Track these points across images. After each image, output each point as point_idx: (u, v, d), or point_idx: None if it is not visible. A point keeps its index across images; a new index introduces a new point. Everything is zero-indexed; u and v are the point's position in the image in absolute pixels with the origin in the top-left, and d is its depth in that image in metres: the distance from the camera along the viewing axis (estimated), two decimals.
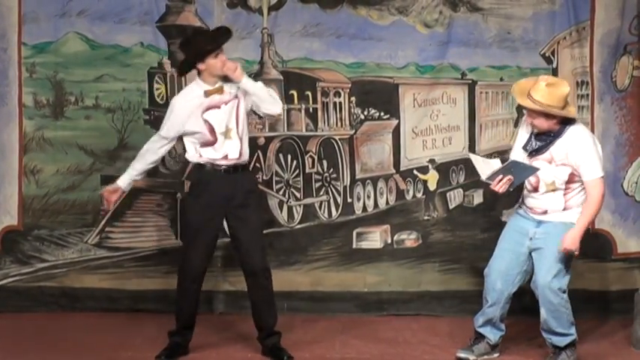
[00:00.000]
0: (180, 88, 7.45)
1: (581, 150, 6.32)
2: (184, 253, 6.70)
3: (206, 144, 6.51)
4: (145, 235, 7.84)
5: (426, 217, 7.89)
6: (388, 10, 7.70)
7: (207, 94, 6.45)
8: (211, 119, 6.47)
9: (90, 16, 7.65)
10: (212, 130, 6.47)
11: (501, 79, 7.77)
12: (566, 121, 6.37)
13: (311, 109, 7.76)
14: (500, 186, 6.33)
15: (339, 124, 7.79)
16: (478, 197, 7.85)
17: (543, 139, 6.39)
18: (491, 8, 7.69)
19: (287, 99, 7.72)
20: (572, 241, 6.34)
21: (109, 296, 7.78)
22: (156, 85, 7.72)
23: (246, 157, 6.60)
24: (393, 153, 7.83)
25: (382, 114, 7.80)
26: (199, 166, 6.58)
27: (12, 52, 7.71)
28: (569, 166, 6.34)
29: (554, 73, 7.67)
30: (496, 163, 6.48)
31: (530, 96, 6.30)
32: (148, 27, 7.66)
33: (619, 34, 7.65)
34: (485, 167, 6.46)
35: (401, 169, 7.84)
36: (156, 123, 7.55)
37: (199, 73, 6.48)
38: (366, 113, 7.79)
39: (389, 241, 7.85)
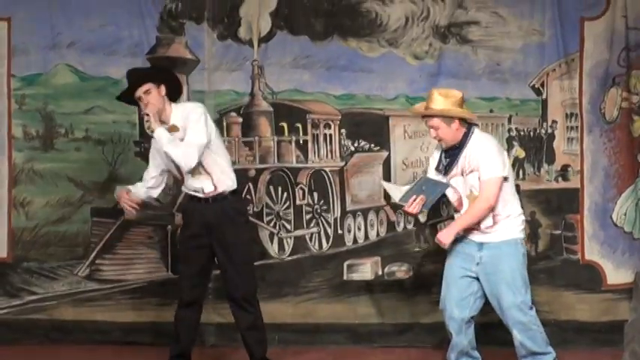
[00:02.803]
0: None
1: (480, 151, 6.32)
2: (179, 284, 6.75)
3: (179, 180, 6.60)
4: (135, 267, 7.84)
5: (417, 249, 7.89)
6: (378, 42, 7.73)
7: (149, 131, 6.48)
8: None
9: (80, 48, 7.69)
10: (177, 167, 6.48)
11: (491, 111, 7.79)
12: (469, 131, 6.38)
13: (301, 141, 7.78)
14: (413, 206, 6.32)
15: (329, 155, 7.81)
16: None
17: (451, 154, 6.42)
18: (480, 40, 7.72)
19: (277, 131, 7.76)
20: (445, 237, 6.36)
21: (99, 329, 7.76)
22: (146, 117, 7.66)
23: (224, 187, 6.56)
24: None
25: (372, 146, 7.82)
26: (186, 196, 6.65)
27: (1, 84, 7.74)
28: (476, 171, 6.34)
29: (544, 104, 7.74)
30: (406, 189, 6.47)
31: (427, 108, 6.35)
32: (138, 59, 7.67)
33: (608, 66, 7.68)
34: (397, 192, 6.46)
35: (391, 201, 7.81)
36: (146, 155, 7.52)
37: None
38: (356, 145, 7.80)
39: (380, 272, 7.85)
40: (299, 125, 7.77)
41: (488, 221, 6.41)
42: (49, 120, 7.72)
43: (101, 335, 7.73)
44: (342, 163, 7.81)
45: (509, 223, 6.42)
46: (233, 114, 7.73)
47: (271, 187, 7.78)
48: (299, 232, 7.83)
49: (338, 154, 7.82)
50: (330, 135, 7.79)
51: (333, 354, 7.60)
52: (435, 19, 7.72)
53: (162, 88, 6.43)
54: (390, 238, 7.88)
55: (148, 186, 6.65)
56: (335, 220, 7.84)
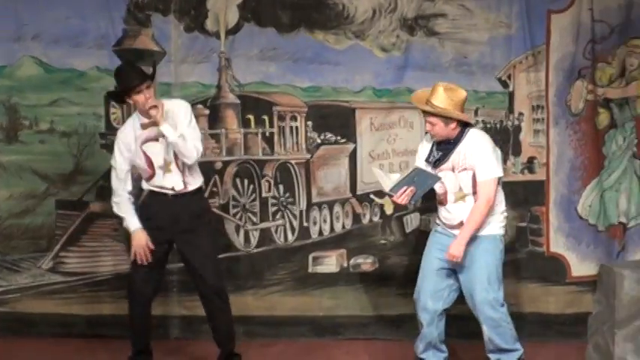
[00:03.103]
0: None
1: (477, 151, 6.35)
2: (130, 278, 6.72)
3: (146, 178, 6.56)
4: (100, 260, 7.79)
5: (382, 241, 7.89)
6: (345, 35, 7.71)
7: (143, 126, 6.46)
8: (149, 151, 6.49)
9: (45, 40, 7.60)
10: (150, 164, 6.49)
11: None
12: (464, 128, 6.41)
13: (268, 134, 7.75)
14: (403, 198, 6.33)
15: (295, 148, 7.79)
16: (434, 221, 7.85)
17: (444, 148, 6.43)
18: (447, 33, 7.71)
19: (244, 123, 7.73)
20: (457, 249, 6.36)
21: (63, 321, 7.72)
22: (112, 110, 7.68)
23: (193, 186, 6.60)
24: (350, 177, 7.84)
25: (339, 138, 7.80)
26: (146, 194, 6.63)
27: None
28: (470, 169, 6.37)
29: (511, 96, 7.75)
30: (396, 177, 6.48)
31: (429, 102, 6.34)
32: (104, 51, 7.63)
33: (574, 59, 7.70)
34: (388, 180, 6.45)
35: (357, 193, 7.85)
36: (112, 147, 7.48)
37: None
38: (322, 137, 7.79)
39: (345, 265, 7.85)
40: (265, 117, 7.74)
41: None
42: (14, 112, 7.65)
43: (65, 328, 7.69)
44: (309, 156, 7.80)
45: (492, 219, 6.46)
46: (200, 106, 7.68)
47: (237, 180, 7.76)
48: (265, 225, 7.81)
49: (304, 146, 7.79)
50: (297, 127, 7.77)
51: (299, 347, 7.60)
52: (403, 11, 7.70)
53: (152, 84, 6.46)
54: (355, 231, 7.88)
55: (129, 188, 6.60)
56: (301, 212, 7.83)
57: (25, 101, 7.63)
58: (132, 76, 6.39)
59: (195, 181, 6.60)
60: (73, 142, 7.67)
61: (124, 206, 6.56)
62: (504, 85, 7.74)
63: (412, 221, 7.89)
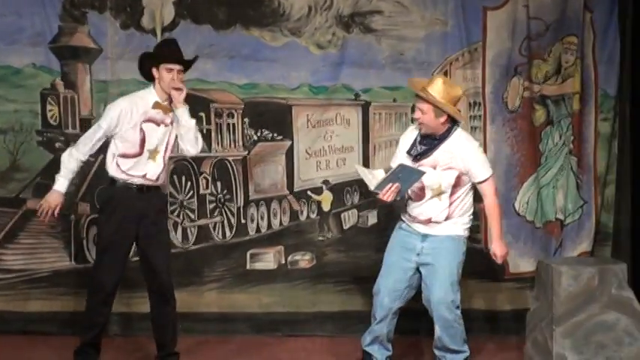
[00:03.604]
0: (73, 111, 7.50)
1: (468, 153, 6.37)
2: (94, 272, 6.65)
3: (128, 155, 6.44)
4: (39, 256, 7.76)
5: (320, 238, 7.91)
6: (281, 32, 7.72)
7: (155, 105, 6.44)
8: (147, 131, 6.44)
9: None
10: (142, 143, 6.44)
11: (394, 100, 7.84)
12: (451, 127, 6.41)
13: (204, 130, 7.71)
14: (388, 195, 6.31)
15: (232, 145, 7.79)
16: (372, 218, 7.89)
17: (428, 143, 6.42)
18: (384, 30, 7.74)
19: None
20: (499, 247, 6.47)
21: (1, 318, 7.67)
22: (49, 107, 7.67)
23: (162, 182, 6.60)
24: (287, 174, 7.86)
25: (275, 135, 7.82)
26: (111, 183, 6.52)
27: None
28: (456, 170, 6.37)
29: None
30: (379, 173, 6.49)
31: (425, 89, 6.34)
32: (40, 48, 7.61)
33: (510, 55, 7.74)
34: (372, 178, 6.45)
35: (295, 189, 7.87)
36: (49, 144, 7.58)
37: (154, 82, 6.47)
38: (259, 134, 7.80)
39: (283, 261, 7.87)
40: (202, 114, 7.72)
41: (442, 214, 6.45)
42: None
43: (3, 325, 7.64)
44: (246, 153, 7.80)
45: (458, 220, 6.48)
46: None
47: (175, 177, 7.75)
48: (202, 222, 7.82)
49: (241, 143, 7.80)
50: (234, 124, 7.78)
51: (238, 343, 7.59)
52: (339, 8, 7.73)
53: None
54: (293, 227, 7.89)
55: (92, 151, 6.50)
56: (238, 209, 7.83)
57: None
58: (179, 53, 6.46)
59: (163, 180, 6.62)
60: (9, 139, 7.64)
61: (71, 164, 6.45)
62: None
63: (350, 218, 7.91)
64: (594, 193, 7.93)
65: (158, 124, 6.46)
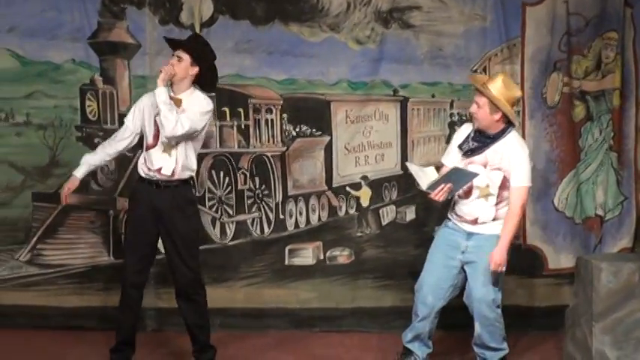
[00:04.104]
0: (112, 106, 7.51)
1: (515, 155, 6.37)
2: (122, 267, 6.71)
3: (147, 147, 6.51)
4: (77, 252, 7.79)
5: (358, 234, 7.90)
6: (320, 27, 7.70)
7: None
8: (160, 124, 6.44)
9: (21, 33, 7.58)
10: (157, 135, 6.46)
11: (433, 96, 7.81)
12: (506, 128, 6.41)
13: (243, 126, 7.75)
14: (440, 195, 6.33)
15: (271, 140, 7.79)
16: (411, 213, 7.87)
17: (480, 141, 6.44)
18: (422, 25, 7.72)
19: (219, 115, 7.71)
20: (499, 257, 6.39)
21: (40, 313, 7.71)
22: (88, 102, 7.68)
23: (182, 176, 6.56)
24: (326, 169, 7.85)
25: (314, 130, 7.81)
26: (137, 180, 6.60)
27: None
28: (503, 171, 6.38)
29: None
30: (430, 171, 6.49)
31: (485, 85, 6.37)
32: (79, 43, 7.63)
33: (549, 51, 7.70)
34: (423, 177, 6.47)
35: (333, 185, 7.86)
36: (88, 140, 7.58)
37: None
38: (297, 130, 7.79)
39: (321, 257, 7.86)
40: (241, 110, 7.74)
41: (489, 215, 6.46)
42: None
43: (42, 320, 7.68)
44: (284, 148, 7.80)
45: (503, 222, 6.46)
46: None
47: (213, 172, 7.76)
48: (241, 217, 7.82)
49: (279, 138, 7.80)
50: (272, 120, 7.77)
51: (275, 338, 7.60)
52: (377, 4, 7.70)
53: (195, 69, 6.46)
54: (331, 223, 7.89)
55: (123, 146, 6.60)
56: (276, 204, 7.83)
57: (0, 94, 7.60)
58: (182, 40, 6.51)
59: (184, 173, 6.57)
60: (49, 134, 7.66)
61: (98, 155, 6.61)
62: None
63: (388, 214, 7.91)
64: (635, 188, 7.88)
65: None
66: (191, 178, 6.75)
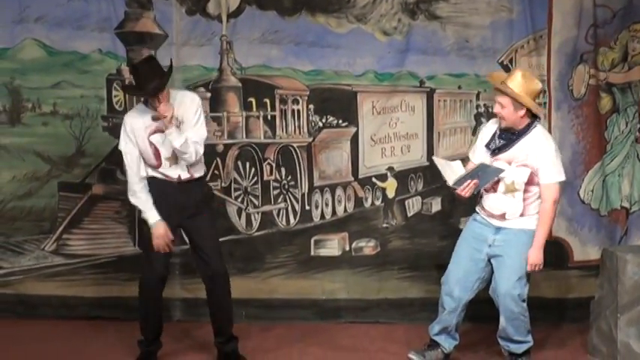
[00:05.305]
0: (138, 97, 7.48)
1: (542, 152, 6.37)
2: (145, 262, 6.68)
3: (151, 166, 6.51)
4: (103, 242, 7.80)
5: (384, 225, 7.89)
6: (347, 18, 7.70)
7: (154, 118, 6.39)
8: (157, 143, 6.45)
9: (48, 23, 7.59)
10: (157, 154, 6.46)
11: (459, 87, 7.81)
12: (531, 123, 6.40)
13: (269, 117, 7.74)
14: (466, 190, 6.37)
15: (297, 131, 7.79)
16: (436, 205, 7.86)
17: (507, 138, 6.43)
18: (449, 16, 7.70)
19: (245, 106, 7.72)
20: (536, 256, 6.42)
21: (66, 303, 7.73)
22: (114, 92, 7.69)
23: (199, 173, 6.61)
24: (352, 161, 7.84)
25: (340, 121, 7.80)
26: (151, 178, 6.54)
27: None
28: (529, 168, 6.37)
29: None
30: (457, 165, 6.52)
31: (504, 83, 6.35)
32: (106, 34, 7.63)
33: (576, 43, 7.69)
34: (450, 172, 6.48)
35: (359, 176, 7.85)
36: (114, 130, 7.55)
37: None
38: (324, 121, 7.78)
39: (347, 248, 7.86)
40: (267, 100, 7.73)
41: (517, 211, 6.46)
42: (16, 94, 7.65)
43: (68, 310, 7.70)
44: (310, 139, 7.79)
45: (533, 216, 6.47)
46: (201, 89, 7.66)
47: (239, 163, 7.76)
48: (266, 208, 7.82)
49: (306, 129, 7.79)
50: (298, 110, 7.77)
51: (300, 329, 7.59)
52: None
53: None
54: (357, 214, 7.88)
55: (142, 174, 6.52)
56: (302, 195, 7.83)
57: (27, 83, 7.62)
58: (150, 84, 6.29)
59: (200, 170, 6.61)
60: (75, 124, 7.68)
61: (141, 198, 6.50)
62: (506, 69, 7.65)
63: (414, 205, 7.90)
64: None
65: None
66: (205, 173, 6.79)
